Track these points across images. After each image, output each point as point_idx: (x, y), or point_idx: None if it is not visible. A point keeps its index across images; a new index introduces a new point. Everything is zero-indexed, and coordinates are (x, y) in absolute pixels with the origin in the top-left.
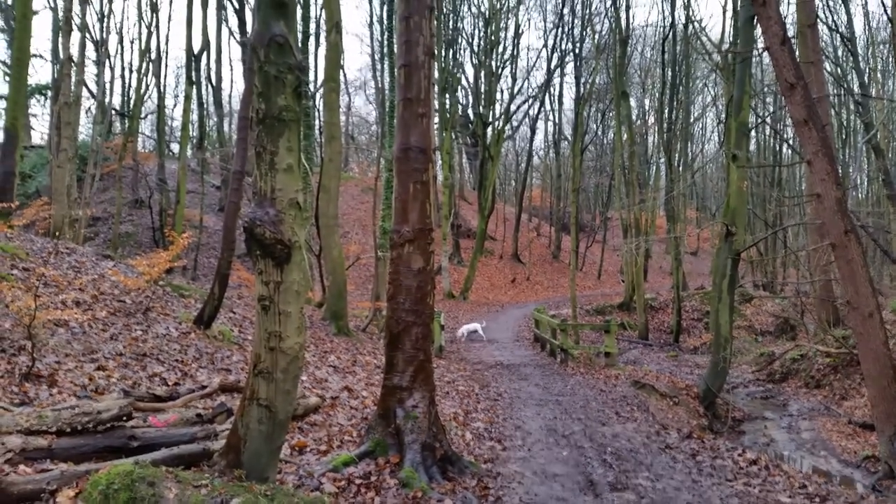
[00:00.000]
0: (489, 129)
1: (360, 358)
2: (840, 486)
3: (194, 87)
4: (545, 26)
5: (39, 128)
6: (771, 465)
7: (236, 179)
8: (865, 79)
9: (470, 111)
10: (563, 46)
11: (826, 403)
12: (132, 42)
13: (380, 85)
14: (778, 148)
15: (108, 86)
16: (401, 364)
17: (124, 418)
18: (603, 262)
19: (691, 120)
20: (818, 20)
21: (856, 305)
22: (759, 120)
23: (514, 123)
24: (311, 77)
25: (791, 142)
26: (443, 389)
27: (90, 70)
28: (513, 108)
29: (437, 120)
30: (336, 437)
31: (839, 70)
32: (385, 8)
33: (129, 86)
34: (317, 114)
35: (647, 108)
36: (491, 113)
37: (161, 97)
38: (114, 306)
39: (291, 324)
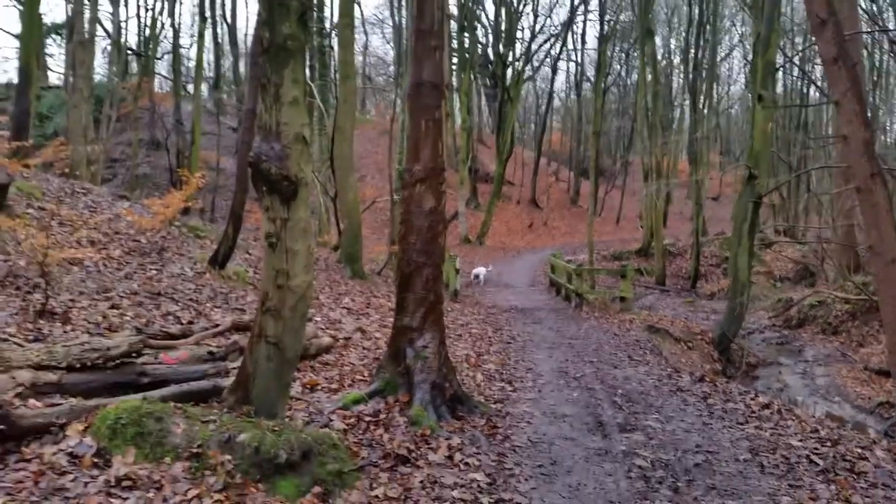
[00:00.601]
0: (509, 70)
1: (375, 300)
2: (853, 431)
3: (209, 24)
4: None
5: (56, 68)
6: (783, 410)
7: (248, 118)
8: None
9: (490, 51)
10: None
11: (842, 350)
12: None
13: (397, 23)
14: (805, 90)
15: (123, 25)
16: (411, 305)
17: (134, 355)
18: (622, 207)
19: (718, 60)
20: None
21: (879, 251)
22: (787, 60)
23: (535, 64)
24: (327, 14)
25: (819, 83)
26: (456, 332)
27: (105, 8)
28: (534, 47)
29: (455, 60)
30: (347, 376)
31: (874, 7)
32: None
33: (145, 25)
34: (332, 53)
35: (672, 47)
36: (511, 53)
37: (176, 36)
38: (129, 246)
39: (299, 262)
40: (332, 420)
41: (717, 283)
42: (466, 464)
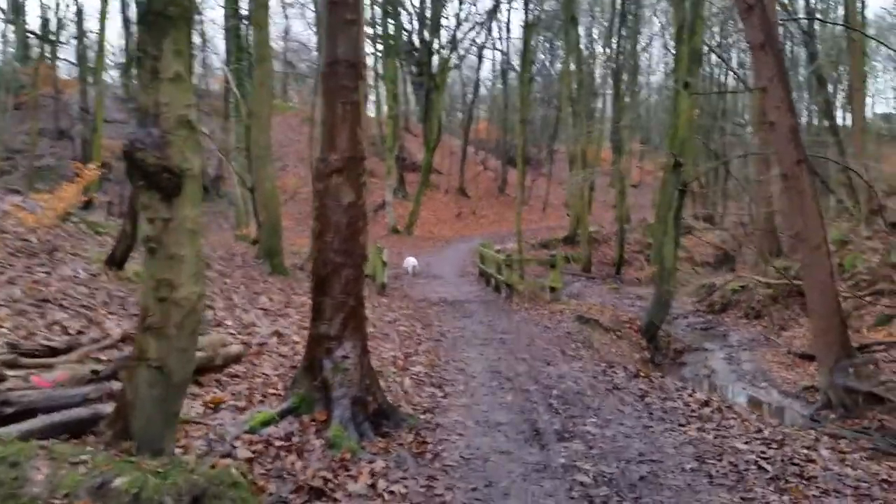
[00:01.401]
0: (435, 58)
1: (295, 299)
2: (794, 428)
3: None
4: None
5: None
6: (724, 407)
7: None
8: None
9: (415, 37)
10: None
11: (765, 334)
12: None
13: (319, 7)
14: (724, 78)
15: (22, 4)
16: (329, 310)
17: None
18: (549, 195)
19: (639, 49)
20: None
21: (804, 237)
22: (707, 49)
23: (461, 52)
24: None
25: (737, 71)
26: (382, 330)
27: None
28: (459, 35)
29: (380, 47)
30: (259, 390)
31: None
32: None
33: (47, 5)
34: (248, 36)
35: (595, 36)
36: (437, 40)
37: (80, 17)
38: (14, 246)
39: (185, 269)
40: (235, 448)
41: (641, 270)
42: (391, 492)
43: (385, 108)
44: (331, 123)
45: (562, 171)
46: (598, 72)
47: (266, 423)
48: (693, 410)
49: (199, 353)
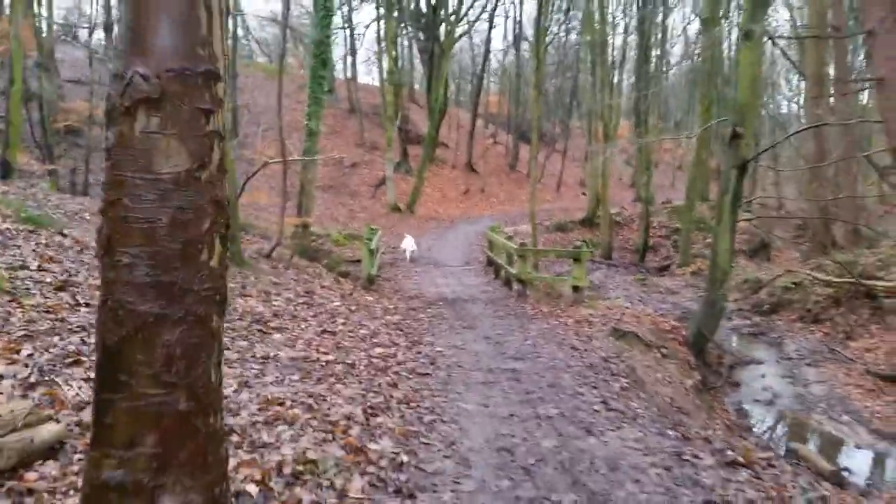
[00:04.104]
0: (443, 23)
1: (243, 303)
2: None
3: None
4: None
5: None
6: None
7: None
8: None
9: (423, 1)
10: None
11: (828, 344)
12: None
13: None
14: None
15: None
16: (126, 425)
17: None
18: (563, 173)
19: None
20: None
21: None
22: None
23: (471, 18)
24: None
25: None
26: (348, 357)
27: None
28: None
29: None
30: None
31: None
32: None
33: None
34: None
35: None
36: (445, 5)
37: None
38: None
39: None
40: None
41: (668, 256)
42: None
43: (385, 72)
44: None
45: (577, 147)
46: (616, 41)
47: None
48: None
49: None
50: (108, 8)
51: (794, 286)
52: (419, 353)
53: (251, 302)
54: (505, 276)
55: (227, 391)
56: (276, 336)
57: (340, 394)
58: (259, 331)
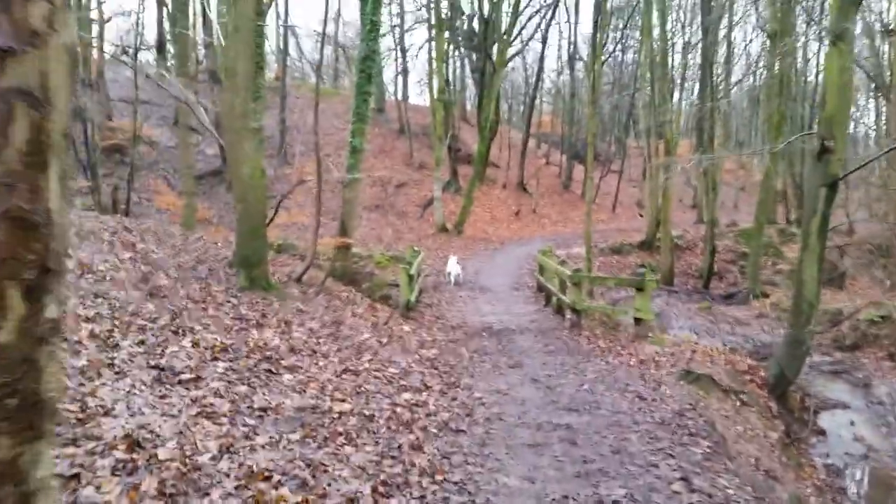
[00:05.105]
0: (496, 43)
1: (256, 335)
2: None
3: None
4: None
5: None
6: None
7: None
8: None
9: (476, 19)
10: None
11: None
12: None
13: None
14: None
15: None
16: None
17: None
18: (619, 193)
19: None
20: None
21: None
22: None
23: (525, 36)
24: None
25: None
26: (371, 401)
27: None
28: (522, 19)
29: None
30: None
31: None
32: None
33: None
34: None
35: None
36: (496, 20)
37: None
38: None
39: None
40: None
41: (734, 283)
42: None
43: (435, 91)
44: None
45: (634, 167)
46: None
47: None
48: None
49: None
50: (160, 27)
51: (881, 319)
52: (454, 399)
53: (267, 334)
54: (557, 303)
55: (204, 458)
56: (286, 378)
57: (348, 461)
58: (267, 371)
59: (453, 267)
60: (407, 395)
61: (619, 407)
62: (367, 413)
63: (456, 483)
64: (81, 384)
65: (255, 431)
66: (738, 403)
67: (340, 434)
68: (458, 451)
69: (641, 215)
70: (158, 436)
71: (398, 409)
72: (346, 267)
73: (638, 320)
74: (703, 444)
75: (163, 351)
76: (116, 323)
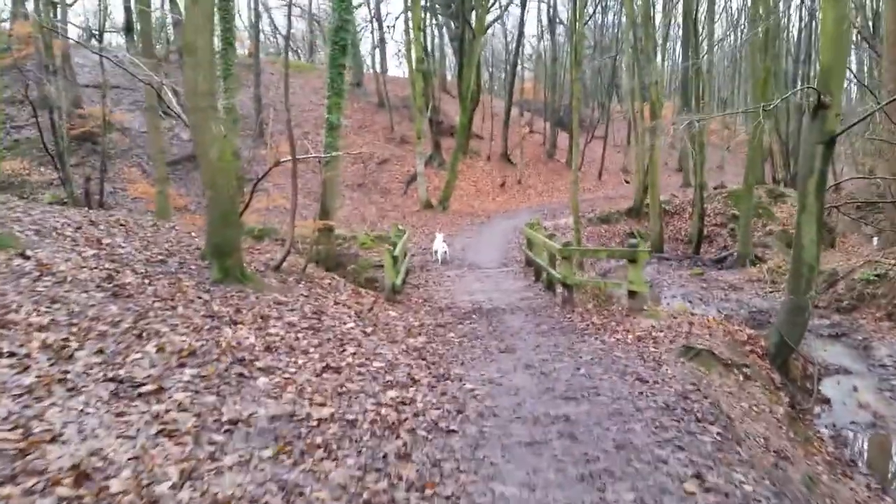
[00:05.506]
0: (474, 9)
1: (229, 334)
2: None
3: None
4: None
5: None
6: None
7: None
8: None
9: None
10: None
11: None
12: None
13: None
14: None
15: None
16: None
17: None
18: (605, 160)
19: None
20: None
21: None
22: None
23: (503, 1)
24: None
25: None
26: (354, 403)
27: None
28: None
29: None
30: None
31: None
32: None
33: None
34: None
35: None
36: None
37: None
38: None
39: None
40: None
41: (724, 246)
42: None
43: (413, 61)
44: None
45: (618, 132)
46: (657, 18)
47: None
48: None
49: None
50: (128, 9)
51: (876, 278)
52: (444, 394)
53: (241, 332)
54: (547, 278)
55: (162, 487)
56: (261, 381)
57: (327, 479)
58: (239, 375)
59: (440, 245)
60: (393, 393)
61: (619, 392)
62: (349, 418)
63: (448, 498)
64: (27, 406)
65: (223, 450)
66: (740, 378)
67: (319, 447)
68: (450, 457)
69: (627, 181)
70: (112, 463)
71: (383, 411)
72: (329, 250)
73: (632, 293)
74: (711, 430)
75: (123, 360)
76: (73, 330)
